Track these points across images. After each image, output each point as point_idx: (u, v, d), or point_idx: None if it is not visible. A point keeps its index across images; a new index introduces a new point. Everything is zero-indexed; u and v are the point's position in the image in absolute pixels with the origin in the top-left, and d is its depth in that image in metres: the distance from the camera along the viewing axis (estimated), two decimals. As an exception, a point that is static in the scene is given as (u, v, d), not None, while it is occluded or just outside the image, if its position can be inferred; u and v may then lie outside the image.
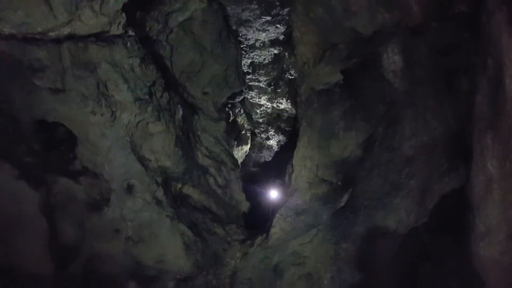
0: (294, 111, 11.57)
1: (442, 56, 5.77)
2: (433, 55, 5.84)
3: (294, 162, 7.27)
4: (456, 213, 5.53)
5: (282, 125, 12.60)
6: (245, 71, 10.68)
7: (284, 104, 11.58)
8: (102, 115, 6.13)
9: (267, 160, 14.11)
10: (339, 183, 6.64)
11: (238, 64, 9.89)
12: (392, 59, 6.09)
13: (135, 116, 6.47)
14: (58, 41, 5.70)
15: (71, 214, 6.35)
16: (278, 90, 11.14)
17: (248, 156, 13.57)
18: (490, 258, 4.59)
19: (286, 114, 12.22)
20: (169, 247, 6.94)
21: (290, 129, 12.64)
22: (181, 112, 7.60)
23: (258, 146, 13.60)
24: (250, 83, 11.14)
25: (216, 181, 9.35)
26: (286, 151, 12.41)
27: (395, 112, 6.25)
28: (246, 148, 13.17)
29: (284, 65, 10.51)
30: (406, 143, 6.05)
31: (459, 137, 5.61)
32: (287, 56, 10.10)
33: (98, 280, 6.36)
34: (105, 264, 6.48)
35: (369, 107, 6.50)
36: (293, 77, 10.51)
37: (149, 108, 6.58)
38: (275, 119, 12.48)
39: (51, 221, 6.03)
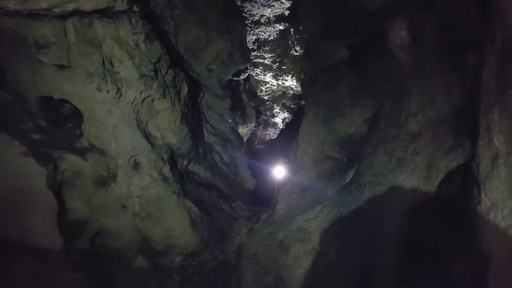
0: (299, 88, 11.51)
1: (449, 31, 5.66)
2: (441, 30, 5.73)
3: (299, 139, 7.27)
4: (462, 189, 5.54)
5: (288, 102, 12.57)
6: (250, 47, 10.58)
7: (289, 81, 11.51)
8: (107, 92, 6.13)
9: (272, 137, 14.14)
10: (344, 159, 6.65)
11: (243, 41, 9.79)
12: (399, 34, 5.99)
13: (141, 93, 6.47)
14: (63, 17, 5.65)
15: (78, 190, 6.44)
16: (284, 67, 11.06)
17: (253, 133, 13.61)
18: (495, 233, 4.60)
19: (291, 92, 12.18)
20: (176, 223, 7.05)
21: (296, 106, 12.62)
22: (186, 89, 7.58)
23: (263, 124, 13.61)
24: (255, 60, 11.06)
25: (221, 158, 9.42)
26: (291, 128, 12.42)
27: (401, 88, 6.18)
28: (251, 126, 13.18)
29: (290, 42, 10.39)
30: (412, 119, 6.00)
31: (466, 113, 5.55)
32: (292, 32, 9.97)
33: (106, 254, 6.50)
34: (113, 239, 6.61)
35: (375, 83, 6.45)
36: (298, 54, 10.41)
37: (155, 85, 6.57)
38: (280, 97, 12.45)
39: (59, 197, 6.12)
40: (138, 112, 6.66)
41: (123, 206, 6.75)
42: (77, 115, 6.52)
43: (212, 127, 9.45)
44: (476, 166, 4.99)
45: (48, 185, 5.90)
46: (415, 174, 5.97)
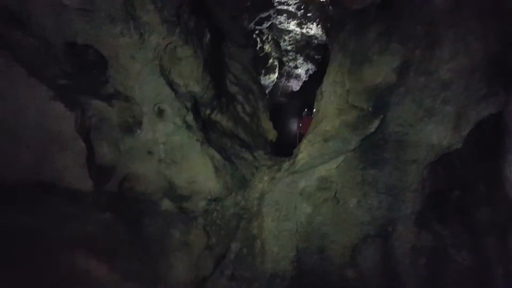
0: (324, 38, 11.14)
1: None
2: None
3: (323, 88, 7.12)
4: (491, 140, 5.41)
5: (311, 52, 12.25)
6: (274, -7, 10.19)
7: (314, 30, 11.14)
8: (130, 37, 6.07)
9: (295, 90, 13.97)
10: (370, 109, 6.49)
11: (267, -15, 9.44)
12: (434, -25, 5.62)
13: (163, 38, 6.38)
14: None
15: (106, 135, 6.59)
16: (309, 14, 10.65)
17: (275, 85, 13.45)
18: (523, 182, 4.53)
19: (315, 41, 11.81)
20: (200, 169, 7.19)
21: (320, 57, 12.29)
22: (208, 36, 7.45)
23: (285, 75, 13.40)
24: (278, 7, 10.67)
25: (244, 108, 9.41)
26: (315, 80, 12.19)
27: (434, 34, 5.88)
28: (274, 77, 13.01)
29: (316, -14, 9.95)
30: (444, 66, 5.77)
31: (500, 60, 5.31)
32: (319, -24, 9.52)
33: (134, 197, 6.75)
34: (140, 183, 6.84)
35: (407, 29, 6.13)
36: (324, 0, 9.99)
37: (177, 31, 6.46)
38: (304, 47, 12.12)
39: (87, 141, 6.30)
40: (161, 59, 6.61)
41: (149, 152, 6.89)
42: (102, 61, 6.53)
43: (235, 76, 9.36)
44: (508, 115, 4.83)
45: (77, 129, 6.05)
46: (443, 124, 5.84)
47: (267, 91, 11.94)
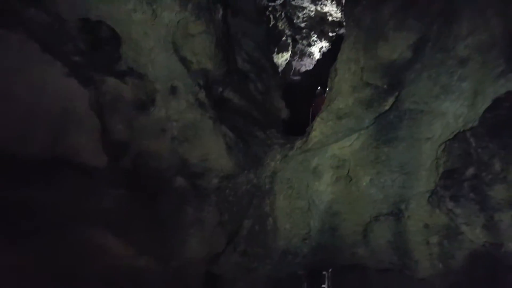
0: (339, 14, 10.91)
1: None
2: None
3: (337, 65, 7.00)
4: (507, 117, 5.30)
5: (326, 29, 12.00)
6: (287, -33, 9.96)
7: (328, 6, 10.90)
8: (143, 13, 6.05)
9: (308, 68, 13.77)
10: (385, 86, 6.39)
11: (281, -40, 9.22)
12: None
13: (175, 14, 6.34)
14: None
15: (120, 113, 6.64)
16: (323, -10, 10.42)
17: (288, 64, 13.27)
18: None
19: (330, 18, 11.56)
20: (212, 147, 7.22)
21: (334, 34, 12.06)
22: (221, 12, 7.36)
23: (299, 54, 13.20)
24: (292, -17, 10.46)
25: (256, 87, 9.34)
26: (328, 58, 12.00)
27: (452, 9, 5.71)
28: (287, 55, 12.83)
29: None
30: (462, 42, 5.62)
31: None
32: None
33: (147, 174, 6.83)
34: (153, 160, 6.90)
35: (424, 4, 5.95)
36: (340, -26, 9.73)
37: (189, 6, 6.40)
38: (318, 24, 11.87)
39: (102, 118, 6.36)
40: (173, 35, 6.58)
41: (162, 130, 6.94)
42: (115, 38, 6.52)
43: (247, 54, 9.26)
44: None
45: (91, 106, 6.12)
46: (459, 101, 5.73)
47: (279, 70, 11.80)
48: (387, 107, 6.31)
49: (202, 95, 7.11)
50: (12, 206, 5.56)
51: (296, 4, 11.20)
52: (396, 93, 6.23)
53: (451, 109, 5.78)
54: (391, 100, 6.25)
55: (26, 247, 5.66)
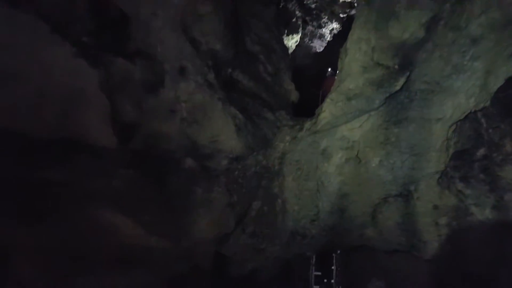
0: (350, -6, 10.70)
1: None
2: None
3: (348, 45, 6.90)
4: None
5: (336, 10, 11.78)
6: None
7: (339, -14, 10.68)
8: (151, -8, 6.01)
9: (319, 51, 13.59)
10: (396, 67, 6.30)
11: None
12: None
13: (184, -6, 6.29)
14: None
15: (129, 94, 6.64)
16: (334, -32, 10.20)
17: (298, 46, 13.09)
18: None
19: (341, -2, 11.35)
20: (222, 128, 7.23)
21: (345, 16, 11.85)
22: (230, -8, 7.28)
23: (309, 36, 13.01)
24: (303, -38, 10.25)
25: (265, 68, 9.27)
26: (339, 40, 11.82)
27: (466, -14, 5.57)
28: (297, 37, 12.64)
29: None
30: (474, 21, 5.49)
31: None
32: None
33: (157, 155, 6.87)
34: (163, 141, 6.94)
35: (437, -19, 5.81)
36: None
37: (198, -15, 6.34)
38: (328, 4, 11.66)
39: (111, 99, 6.38)
40: (182, 15, 6.54)
41: (171, 111, 6.95)
42: (124, 19, 6.50)
43: (256, 35, 9.17)
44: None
45: (101, 87, 6.13)
46: (471, 80, 5.63)
47: (289, 52, 11.66)
48: (398, 88, 6.24)
49: (211, 76, 7.09)
50: (25, 186, 5.65)
51: (307, -16, 11.01)
52: (407, 73, 6.14)
53: (462, 89, 5.69)
54: (402, 80, 6.17)
55: (41, 227, 5.77)
